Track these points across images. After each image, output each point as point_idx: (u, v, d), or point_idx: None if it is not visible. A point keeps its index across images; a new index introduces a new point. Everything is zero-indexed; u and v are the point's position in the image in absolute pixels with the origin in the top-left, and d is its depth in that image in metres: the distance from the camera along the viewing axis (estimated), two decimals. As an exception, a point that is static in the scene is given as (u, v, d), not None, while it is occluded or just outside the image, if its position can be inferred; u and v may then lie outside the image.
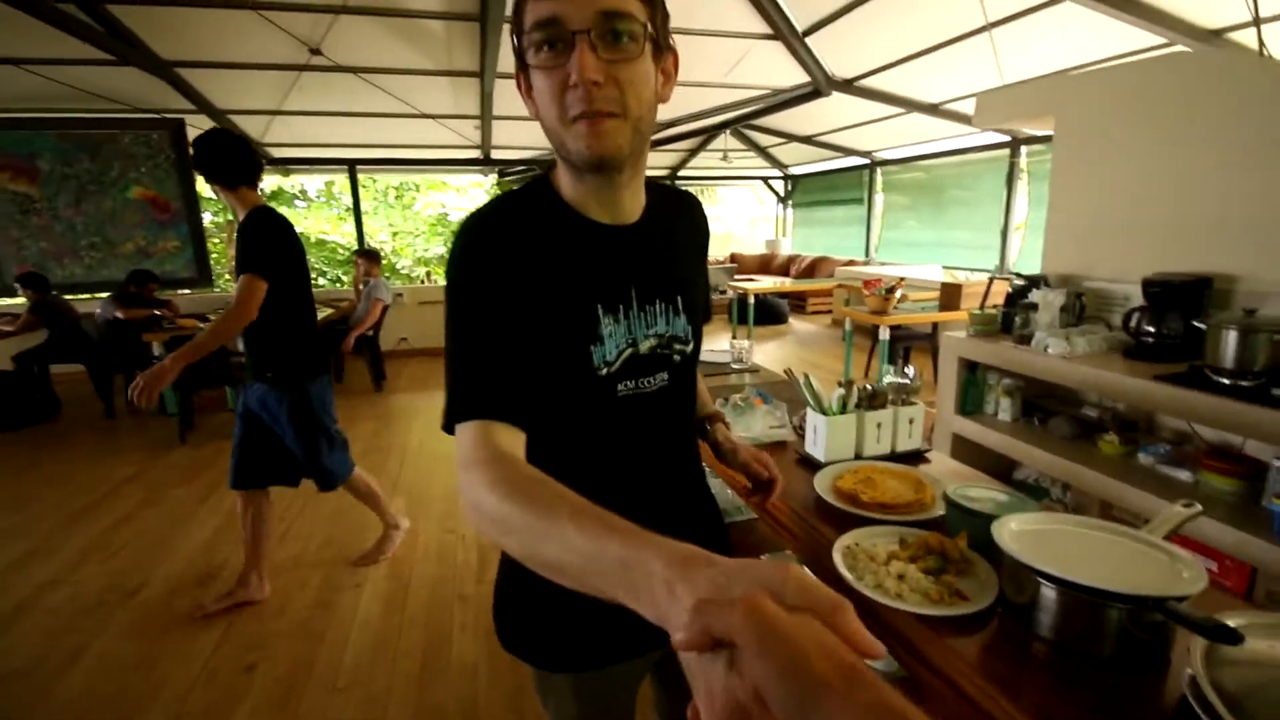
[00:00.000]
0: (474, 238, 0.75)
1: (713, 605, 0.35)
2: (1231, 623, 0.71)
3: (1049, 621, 0.81)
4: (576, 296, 0.77)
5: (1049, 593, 0.80)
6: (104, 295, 5.58)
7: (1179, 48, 4.04)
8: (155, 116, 5.95)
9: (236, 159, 2.17)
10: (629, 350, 0.81)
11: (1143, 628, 0.75)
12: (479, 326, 0.72)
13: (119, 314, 5.07)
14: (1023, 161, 6.81)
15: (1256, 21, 3.32)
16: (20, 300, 6.10)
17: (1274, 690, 0.66)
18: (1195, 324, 2.09)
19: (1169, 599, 0.71)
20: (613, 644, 0.90)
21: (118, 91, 5.49)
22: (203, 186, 7.15)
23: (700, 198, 1.01)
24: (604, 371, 0.79)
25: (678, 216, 0.91)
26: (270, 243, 2.20)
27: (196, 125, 6.20)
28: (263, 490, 2.49)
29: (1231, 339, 1.89)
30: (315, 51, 4.78)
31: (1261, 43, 3.42)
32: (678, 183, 11.70)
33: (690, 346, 0.88)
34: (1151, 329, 2.25)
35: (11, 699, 2.04)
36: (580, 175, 0.75)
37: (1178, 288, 2.20)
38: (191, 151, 2.15)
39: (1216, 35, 3.93)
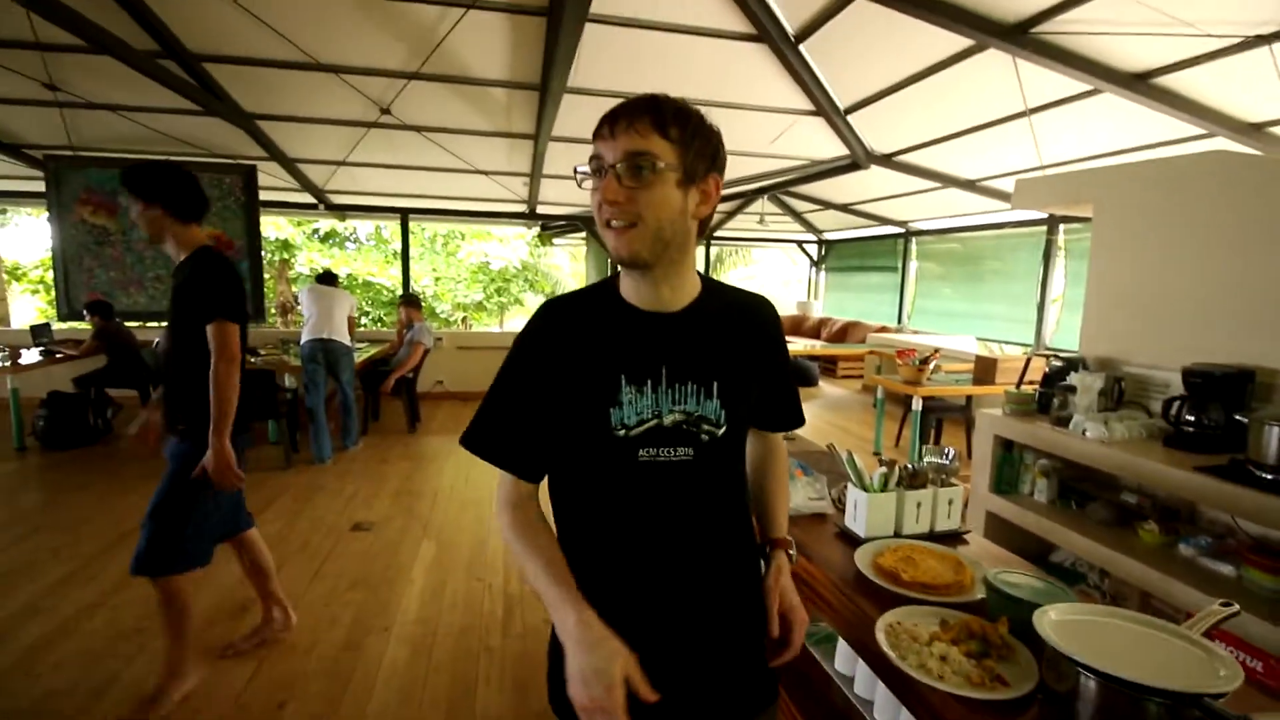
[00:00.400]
0: (539, 318, 0.97)
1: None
2: (1273, 727, 0.73)
3: (1089, 713, 0.83)
4: (602, 366, 0.92)
5: (1089, 684, 0.82)
6: (162, 325, 5.88)
7: (1219, 139, 4.11)
8: (230, 162, 6.37)
9: (196, 195, 2.13)
10: (653, 421, 0.92)
11: (1182, 725, 0.77)
12: (514, 389, 0.96)
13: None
14: (1060, 239, 6.85)
15: (1295, 119, 3.40)
16: (77, 325, 6.47)
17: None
18: (1237, 417, 2.09)
19: (1206, 695, 0.74)
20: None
21: (198, 137, 5.94)
22: (264, 228, 7.55)
23: (733, 257, 1.10)
24: (621, 433, 0.91)
25: (736, 315, 1.01)
26: (231, 285, 2.10)
27: (268, 171, 6.64)
28: (241, 533, 2.44)
29: (1275, 435, 1.88)
30: (385, 111, 5.13)
31: (1301, 139, 3.48)
32: (713, 243, 11.97)
33: (722, 430, 0.95)
34: (1192, 419, 2.24)
35: (50, 718, 2.10)
36: (625, 270, 0.95)
37: (1219, 379, 2.20)
38: (142, 179, 2.09)
39: (1257, 129, 4.00)
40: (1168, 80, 3.69)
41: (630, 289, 0.96)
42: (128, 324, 6.02)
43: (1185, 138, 4.32)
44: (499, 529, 3.21)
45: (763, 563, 1.07)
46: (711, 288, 1.02)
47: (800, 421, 1.13)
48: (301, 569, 3.17)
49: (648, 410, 0.92)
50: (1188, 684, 0.77)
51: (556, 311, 0.97)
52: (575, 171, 0.93)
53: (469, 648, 2.55)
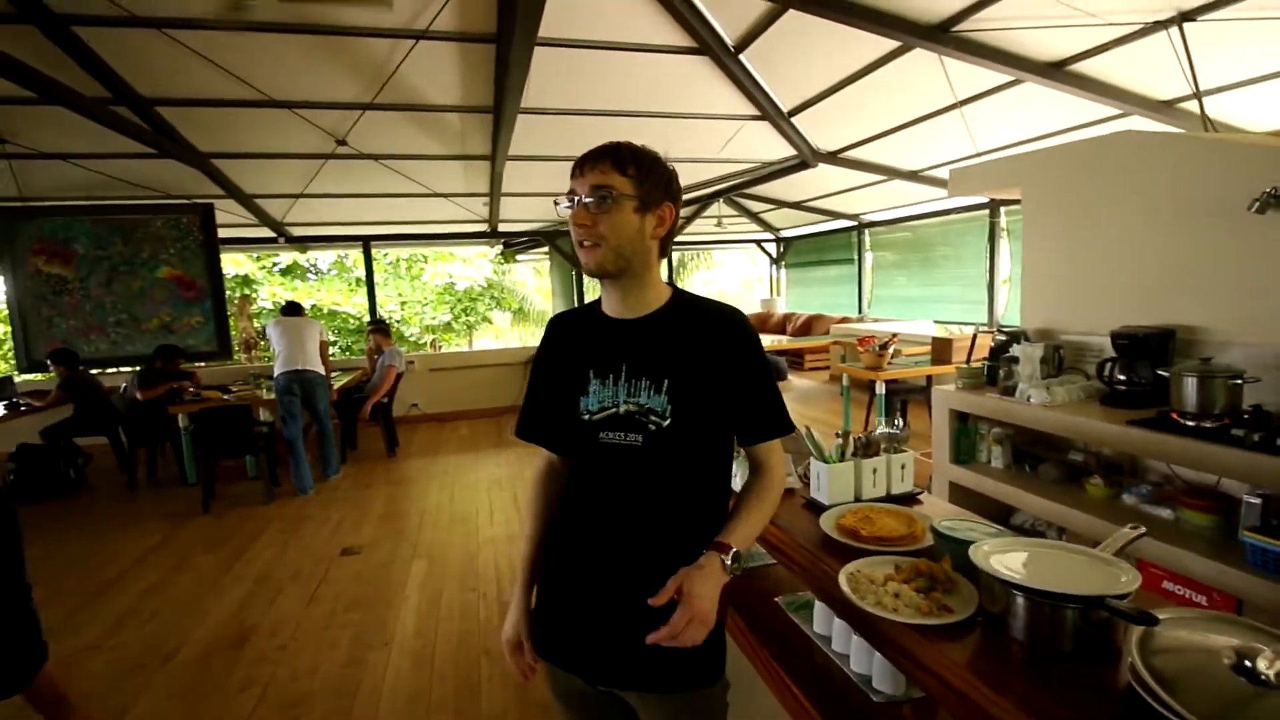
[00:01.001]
0: (547, 329, 1.28)
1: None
2: (1162, 616, 0.89)
3: (1019, 625, 0.97)
4: (577, 363, 1.16)
5: (1017, 600, 0.97)
6: (134, 369, 5.81)
7: (1135, 118, 4.42)
8: (186, 202, 6.34)
9: None
10: (612, 409, 1.11)
11: (1094, 624, 0.92)
12: (533, 384, 1.27)
13: (138, 395, 5.25)
14: (1003, 221, 7.19)
15: (1198, 95, 3.69)
16: (40, 376, 6.35)
17: (1195, 666, 0.83)
18: (1161, 372, 2.30)
19: (1109, 597, 0.89)
20: (557, 650, 1.16)
21: (153, 179, 5.90)
22: (224, 265, 7.49)
23: (695, 261, 1.26)
24: (587, 418, 1.13)
25: (697, 324, 1.12)
26: None
27: (225, 209, 6.61)
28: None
29: (1192, 385, 2.09)
30: (341, 142, 5.18)
31: (1203, 112, 3.78)
32: (674, 248, 12.16)
33: (668, 423, 1.07)
34: (1123, 377, 2.45)
35: (60, 761, 2.12)
36: (602, 284, 1.17)
37: (1143, 339, 2.41)
38: None
39: (1167, 105, 4.30)
40: (1082, 66, 3.97)
41: (606, 301, 1.18)
42: (93, 371, 5.93)
43: (1105, 118, 4.62)
44: (488, 541, 3.33)
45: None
46: (682, 299, 1.17)
47: (785, 427, 1.15)
48: (296, 595, 3.22)
49: (609, 399, 1.11)
50: (1095, 590, 0.93)
51: (557, 323, 1.27)
52: (555, 204, 1.15)
53: (469, 654, 2.63)
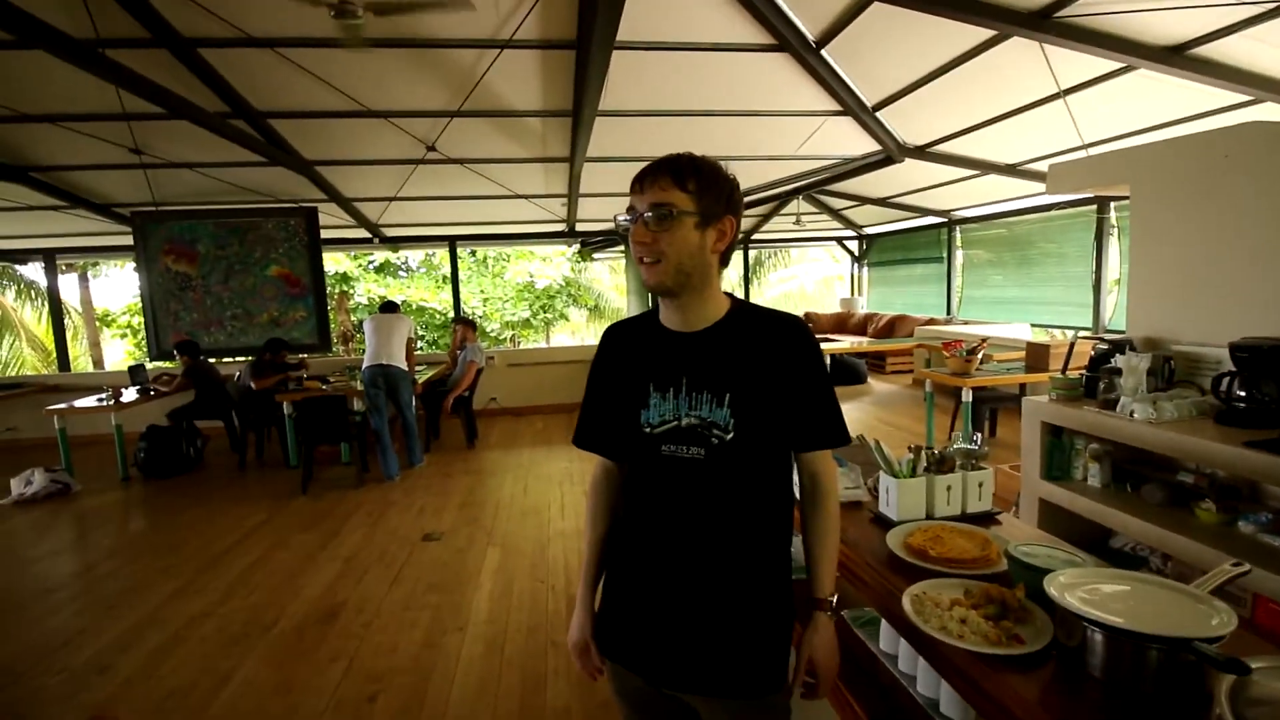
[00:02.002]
0: (603, 340, 1.28)
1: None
2: (1257, 665, 0.81)
3: (1097, 663, 0.91)
4: (637, 376, 1.16)
5: (1095, 636, 0.91)
6: (242, 359, 6.36)
7: (1267, 104, 3.98)
8: (293, 205, 6.86)
9: None
10: (674, 422, 1.11)
11: (1179, 668, 0.85)
12: (590, 393, 1.27)
13: (252, 384, 5.75)
14: (1112, 217, 6.65)
15: (1348, 79, 3.28)
16: (167, 363, 7.05)
17: (1296, 725, 0.75)
18: (1288, 390, 2.07)
19: (1197, 640, 0.82)
20: (621, 651, 1.18)
21: (264, 185, 6.42)
22: (327, 263, 8.02)
23: (772, 259, 1.24)
24: (648, 430, 1.13)
25: (758, 335, 1.12)
26: None
27: (326, 211, 7.10)
28: None
29: (1324, 405, 1.87)
30: (430, 148, 5.45)
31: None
32: (750, 246, 12.00)
33: (731, 436, 1.08)
34: (1243, 394, 2.22)
35: (174, 714, 2.37)
36: (660, 297, 1.15)
37: (1268, 352, 2.18)
38: None
39: (1311, 89, 3.85)
40: (1205, 50, 3.61)
41: (664, 313, 1.18)
42: (211, 360, 6.53)
43: (1228, 106, 4.19)
44: (558, 534, 3.42)
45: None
46: (742, 310, 1.15)
47: (842, 439, 1.16)
48: (381, 576, 3.43)
49: (670, 413, 1.11)
50: (1182, 631, 0.86)
51: (613, 334, 1.27)
52: (615, 220, 1.16)
53: (537, 644, 2.72)
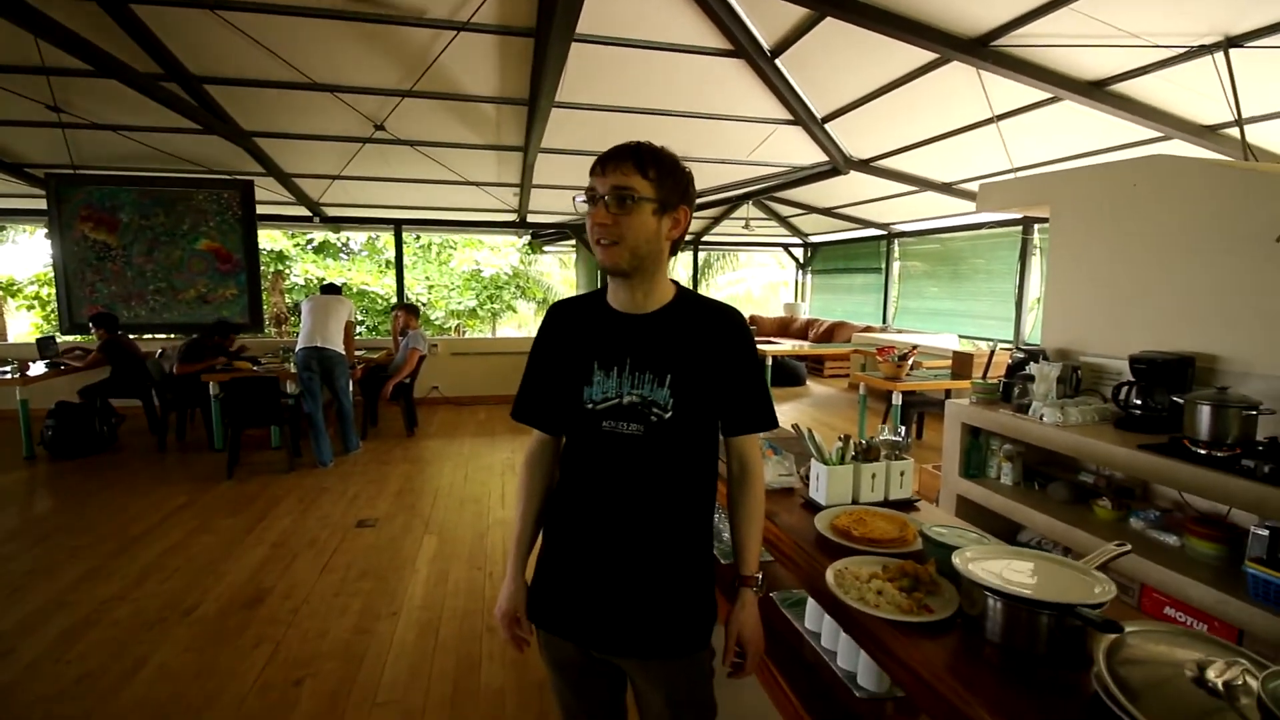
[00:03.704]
0: (547, 315, 1.30)
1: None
2: (1131, 627, 0.92)
3: (995, 628, 1.01)
4: (581, 353, 1.19)
5: (994, 604, 1.00)
6: (171, 337, 6.01)
7: (1176, 141, 4.35)
8: (228, 177, 6.54)
9: None
10: (615, 399, 1.16)
11: (1066, 631, 0.95)
12: (531, 368, 1.29)
13: (174, 368, 5.46)
14: (1035, 238, 7.10)
15: (1239, 121, 3.63)
16: (79, 337, 6.61)
17: (1159, 677, 0.86)
18: (1176, 399, 2.28)
19: (1081, 605, 0.92)
20: (554, 619, 1.23)
21: (197, 154, 6.10)
22: (262, 240, 7.68)
23: (721, 262, 1.30)
24: (590, 406, 1.17)
25: (699, 322, 1.19)
26: None
27: (264, 186, 6.80)
28: None
29: (1206, 413, 2.07)
30: (379, 127, 5.30)
31: (1244, 139, 3.71)
32: (701, 248, 12.18)
33: (669, 415, 1.14)
34: (1139, 402, 2.44)
35: (84, 700, 2.25)
36: (610, 278, 1.19)
37: (1162, 365, 2.40)
38: None
39: (1209, 130, 4.23)
40: (1123, 87, 3.92)
41: (612, 294, 1.21)
42: (130, 336, 6.15)
43: (1143, 140, 4.56)
44: (498, 523, 3.41)
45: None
46: (685, 297, 1.22)
47: (770, 424, 1.23)
48: (311, 562, 3.33)
49: (611, 390, 1.16)
50: (1069, 598, 0.96)
51: (558, 311, 1.28)
52: (574, 201, 1.19)
53: (472, 629, 2.71)
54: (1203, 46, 3.34)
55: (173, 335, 6.17)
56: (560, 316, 1.27)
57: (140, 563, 3.33)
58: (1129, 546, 1.15)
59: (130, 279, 6.56)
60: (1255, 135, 4.03)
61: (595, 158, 1.13)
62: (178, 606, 2.89)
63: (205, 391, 5.41)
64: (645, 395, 1.14)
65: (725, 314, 1.21)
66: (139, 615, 2.80)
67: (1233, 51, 3.28)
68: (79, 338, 6.65)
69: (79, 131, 5.49)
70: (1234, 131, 3.97)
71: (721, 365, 1.18)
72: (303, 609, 2.88)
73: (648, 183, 1.09)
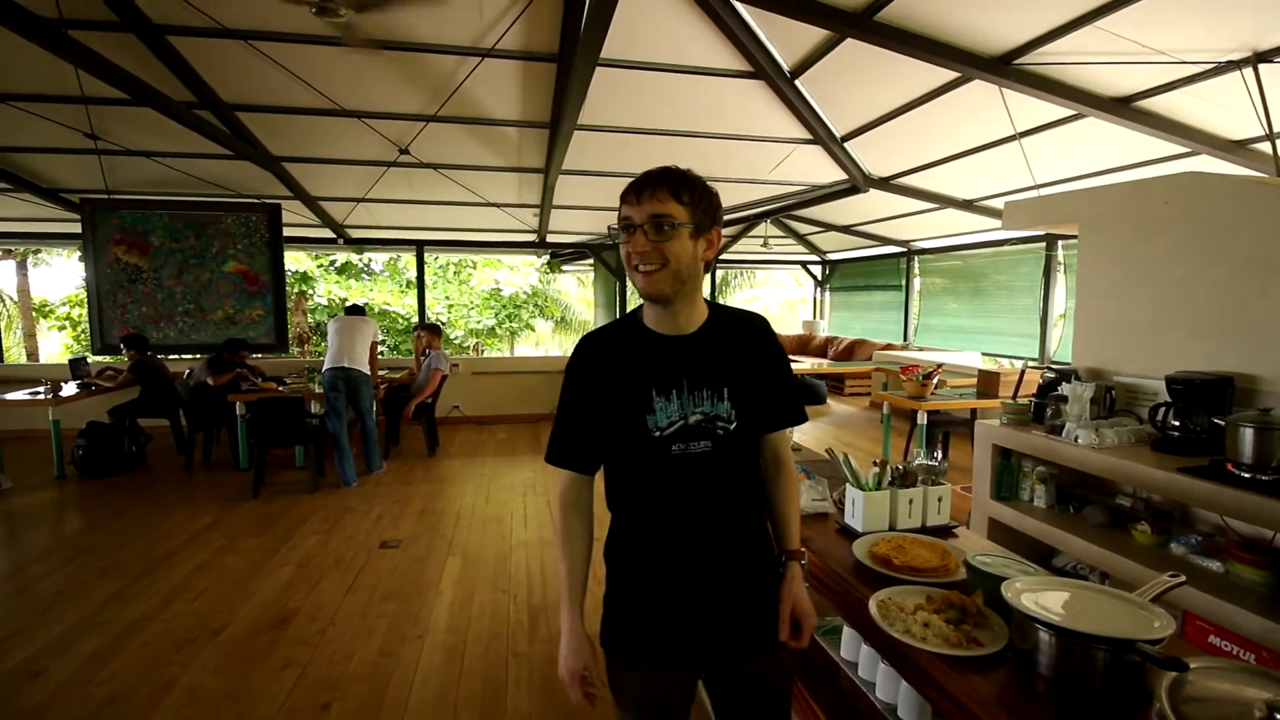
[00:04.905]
0: (578, 349, 1.25)
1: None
2: (1194, 664, 0.89)
3: (1048, 663, 0.98)
4: (635, 382, 1.17)
5: (1047, 638, 0.98)
6: (196, 357, 6.13)
7: (1203, 156, 4.29)
8: (256, 201, 6.70)
9: None
10: (680, 422, 1.16)
11: (1124, 667, 0.92)
12: (570, 407, 1.23)
13: (209, 380, 5.56)
14: (1059, 255, 7.01)
15: (1271, 136, 3.57)
16: (110, 358, 6.75)
17: (1225, 716, 0.82)
18: (1217, 421, 2.23)
19: (1141, 641, 0.89)
20: (660, 650, 1.20)
21: (227, 179, 6.25)
22: (287, 261, 7.84)
23: (738, 280, 1.30)
24: (657, 434, 1.16)
25: (738, 333, 1.24)
26: None
27: (290, 209, 6.95)
28: None
29: (1249, 436, 2.02)
30: (403, 151, 5.41)
31: (1276, 153, 3.65)
32: (719, 266, 12.19)
33: (734, 425, 1.18)
34: (1177, 423, 2.38)
35: (114, 722, 2.27)
36: (650, 303, 1.19)
37: (1200, 385, 2.34)
38: None
39: (1239, 145, 4.17)
40: (1149, 103, 3.88)
41: (652, 318, 1.21)
42: (159, 356, 6.28)
43: (1170, 156, 4.50)
44: (520, 544, 3.39)
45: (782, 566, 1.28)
46: (716, 311, 1.25)
47: (802, 417, 1.31)
48: (336, 583, 3.34)
49: (675, 413, 1.16)
50: (1126, 634, 0.93)
51: (592, 343, 1.24)
52: (609, 230, 1.24)
53: (498, 653, 2.69)
54: (1231, 62, 3.31)
55: (199, 355, 6.28)
56: (596, 349, 1.23)
57: (168, 582, 3.36)
58: (1183, 578, 1.12)
59: (160, 300, 6.71)
60: (1288, 149, 3.96)
61: (617, 178, 1.15)
62: (206, 627, 2.90)
63: (231, 411, 5.49)
64: (708, 412, 1.17)
65: (755, 321, 1.28)
66: (168, 636, 2.83)
67: (1262, 66, 3.25)
68: (110, 358, 6.79)
69: (114, 158, 5.66)
70: (1265, 146, 3.92)
71: (762, 370, 1.24)
72: (329, 630, 2.88)
73: (683, 207, 1.11)
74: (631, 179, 1.13)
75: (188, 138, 4.91)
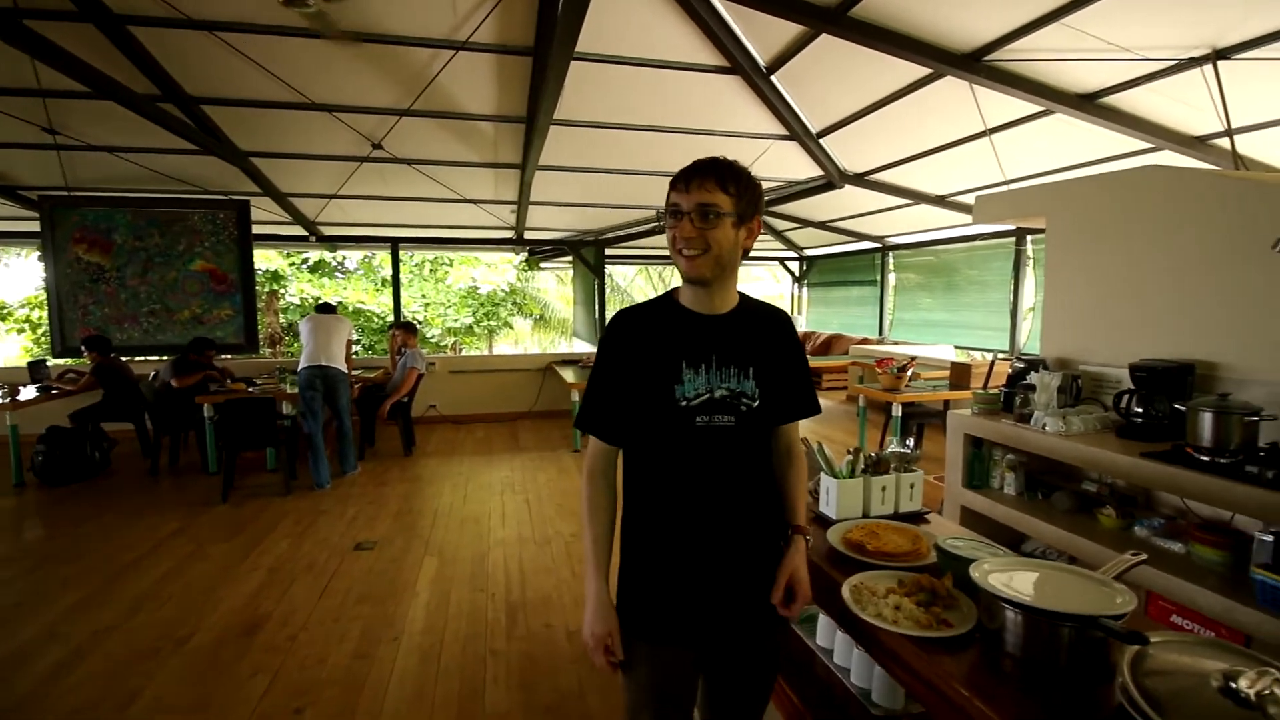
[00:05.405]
0: (615, 322, 1.30)
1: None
2: (1155, 638, 0.90)
3: (1015, 641, 0.99)
4: (667, 354, 1.23)
5: (1013, 617, 0.99)
6: (162, 358, 5.97)
7: (1166, 152, 4.40)
8: (224, 198, 6.54)
9: None
10: (707, 395, 1.22)
11: (1088, 643, 0.94)
12: (603, 377, 1.27)
13: (173, 382, 5.41)
14: (1028, 249, 7.15)
15: (1229, 132, 3.68)
16: (71, 360, 6.55)
17: (1185, 687, 0.84)
18: (1178, 407, 2.28)
19: (1103, 616, 0.91)
20: (675, 625, 1.23)
21: (193, 175, 6.10)
22: (257, 260, 7.69)
23: None
24: (684, 404, 1.21)
25: (763, 321, 1.32)
26: None
27: (260, 206, 6.81)
28: None
29: (1208, 420, 2.07)
30: (377, 146, 5.32)
31: (1234, 149, 3.76)
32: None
33: (757, 403, 1.24)
34: (1140, 410, 2.43)
35: (76, 733, 2.20)
36: (688, 285, 1.26)
37: (1162, 373, 2.40)
38: None
39: (1199, 141, 4.28)
40: (1113, 100, 3.97)
41: (689, 298, 1.28)
42: (123, 358, 6.10)
43: (1135, 151, 4.61)
44: (499, 543, 3.37)
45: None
46: (745, 300, 1.33)
47: (816, 409, 1.38)
48: (309, 587, 3.28)
49: (703, 386, 1.22)
50: (1089, 610, 0.94)
51: (628, 318, 1.30)
52: (656, 214, 1.24)
53: (475, 653, 2.67)
54: (1191, 59, 3.39)
55: (164, 357, 6.12)
56: (632, 323, 1.28)
57: (133, 591, 3.27)
58: (1144, 555, 1.15)
59: (124, 301, 6.53)
60: (1245, 145, 4.07)
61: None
62: (172, 636, 2.83)
63: (199, 413, 5.36)
64: (734, 388, 1.23)
65: (781, 315, 1.36)
66: (132, 646, 2.75)
67: (1221, 64, 3.33)
68: (71, 361, 6.59)
69: (73, 153, 5.49)
70: (1224, 142, 4.02)
71: (783, 359, 1.31)
72: (301, 636, 2.82)
73: (729, 198, 1.16)
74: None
75: (151, 132, 4.78)
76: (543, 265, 12.99)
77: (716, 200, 1.15)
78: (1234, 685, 0.79)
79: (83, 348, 5.85)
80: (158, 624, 2.94)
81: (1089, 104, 4.00)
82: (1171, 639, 0.93)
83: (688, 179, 1.17)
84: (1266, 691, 0.80)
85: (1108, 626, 0.90)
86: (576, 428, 1.28)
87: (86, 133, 5.12)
